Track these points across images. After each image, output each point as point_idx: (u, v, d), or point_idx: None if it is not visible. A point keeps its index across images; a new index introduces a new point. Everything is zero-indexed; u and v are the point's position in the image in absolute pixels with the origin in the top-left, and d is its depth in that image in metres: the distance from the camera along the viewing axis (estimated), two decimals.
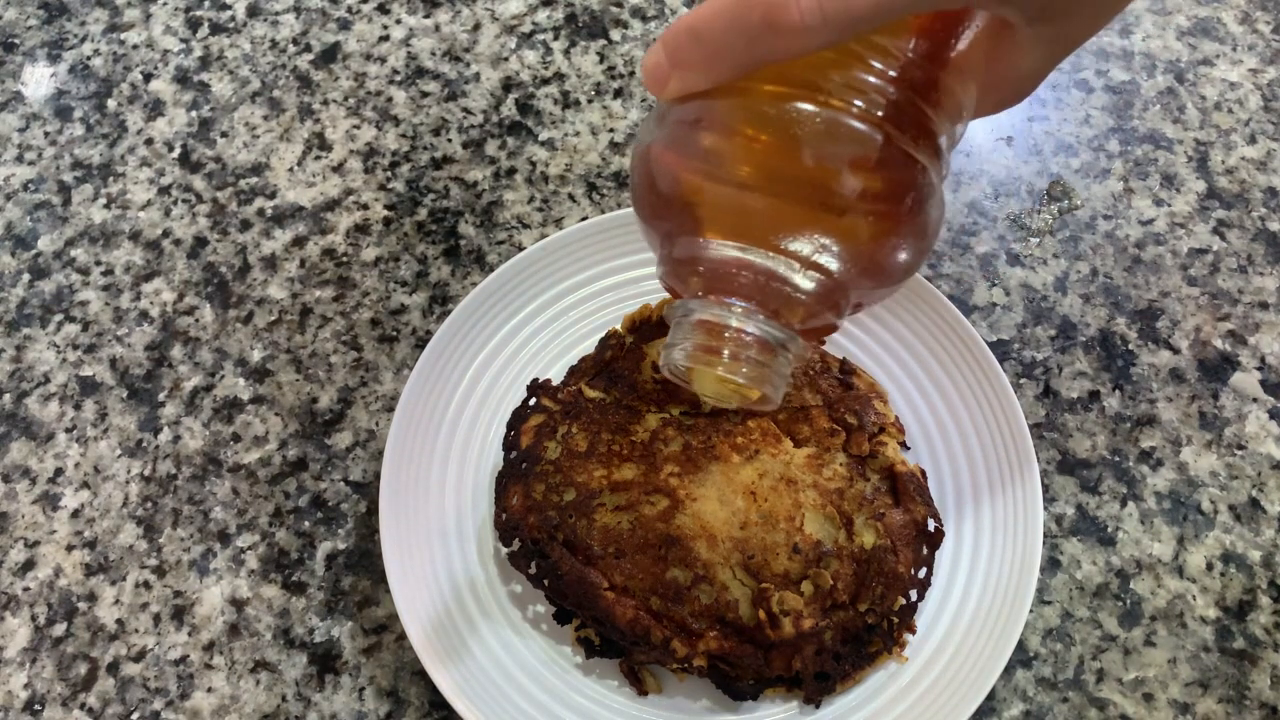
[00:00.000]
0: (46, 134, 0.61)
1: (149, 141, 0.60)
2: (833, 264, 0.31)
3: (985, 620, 0.43)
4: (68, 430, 0.52)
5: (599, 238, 0.51)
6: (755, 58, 0.29)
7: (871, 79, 0.31)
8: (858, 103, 0.30)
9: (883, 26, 0.30)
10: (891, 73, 0.31)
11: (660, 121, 0.33)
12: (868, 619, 0.42)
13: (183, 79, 0.62)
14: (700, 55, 0.29)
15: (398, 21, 0.64)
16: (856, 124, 0.30)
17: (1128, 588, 0.47)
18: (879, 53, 0.31)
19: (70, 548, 0.49)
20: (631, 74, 0.62)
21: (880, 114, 0.30)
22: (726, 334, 0.32)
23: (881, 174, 0.31)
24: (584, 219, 0.55)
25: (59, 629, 0.47)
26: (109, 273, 0.56)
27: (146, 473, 0.50)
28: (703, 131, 0.31)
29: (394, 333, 0.54)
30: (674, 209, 0.33)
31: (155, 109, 0.61)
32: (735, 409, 0.39)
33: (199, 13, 0.65)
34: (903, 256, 0.33)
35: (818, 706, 0.42)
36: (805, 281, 0.31)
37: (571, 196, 0.57)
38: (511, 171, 0.58)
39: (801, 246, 0.31)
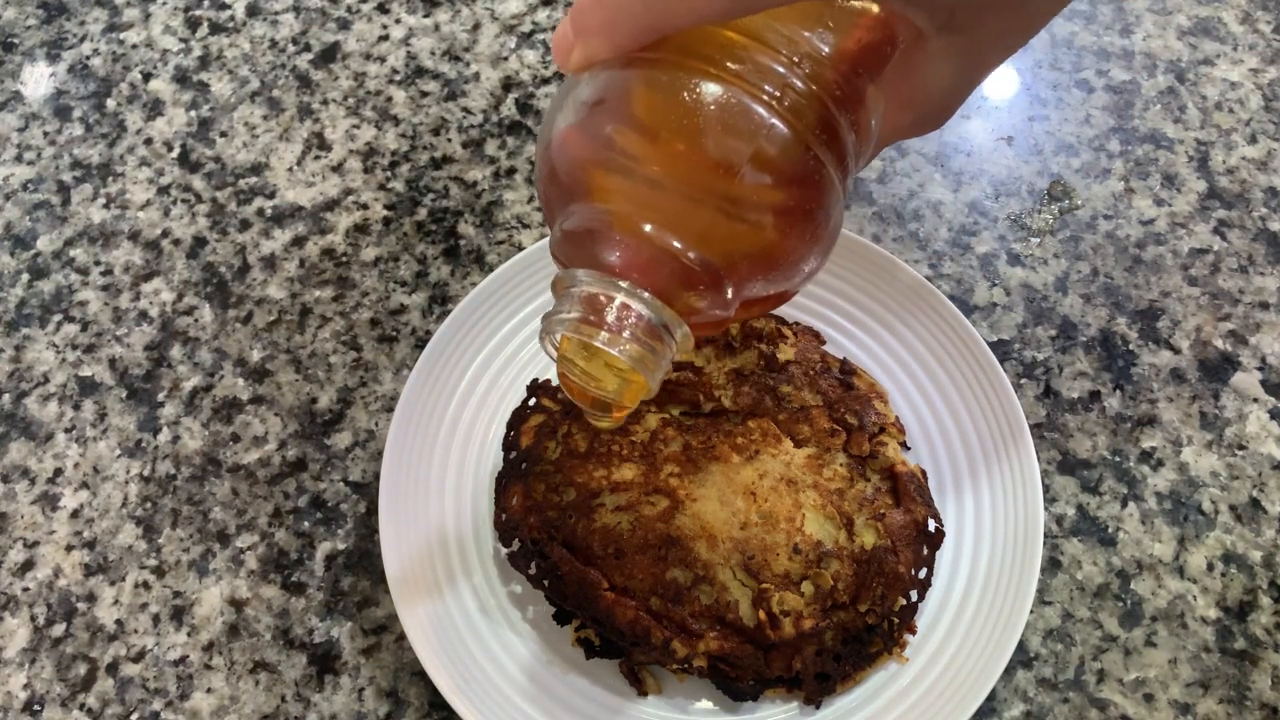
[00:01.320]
0: (46, 134, 0.61)
1: (148, 141, 0.60)
2: (723, 254, 0.30)
3: (986, 621, 0.43)
4: (67, 430, 0.52)
5: None
6: (655, 22, 0.28)
7: (780, 68, 0.29)
8: (766, 88, 0.29)
9: (795, 14, 0.29)
10: (803, 67, 0.30)
11: (565, 96, 0.32)
12: (868, 619, 0.42)
13: (182, 79, 0.62)
14: (600, 19, 0.28)
15: (397, 21, 0.64)
16: (761, 110, 0.29)
17: (1128, 588, 0.47)
18: (790, 44, 0.30)
19: (69, 548, 0.49)
20: None
21: (787, 104, 0.29)
22: (612, 308, 0.30)
23: (783, 168, 0.30)
24: None
25: (58, 629, 0.47)
26: (108, 273, 0.56)
27: (146, 473, 0.50)
28: (601, 105, 0.30)
29: (394, 333, 0.54)
30: (571, 180, 0.31)
31: (154, 109, 0.61)
32: (596, 408, 0.37)
33: (198, 12, 0.65)
34: (796, 257, 0.32)
35: (818, 707, 0.42)
36: (695, 268, 0.30)
37: None
38: (511, 171, 0.58)
39: (692, 233, 0.30)
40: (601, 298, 0.30)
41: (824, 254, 0.33)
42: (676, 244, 0.30)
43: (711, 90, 0.29)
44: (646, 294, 0.30)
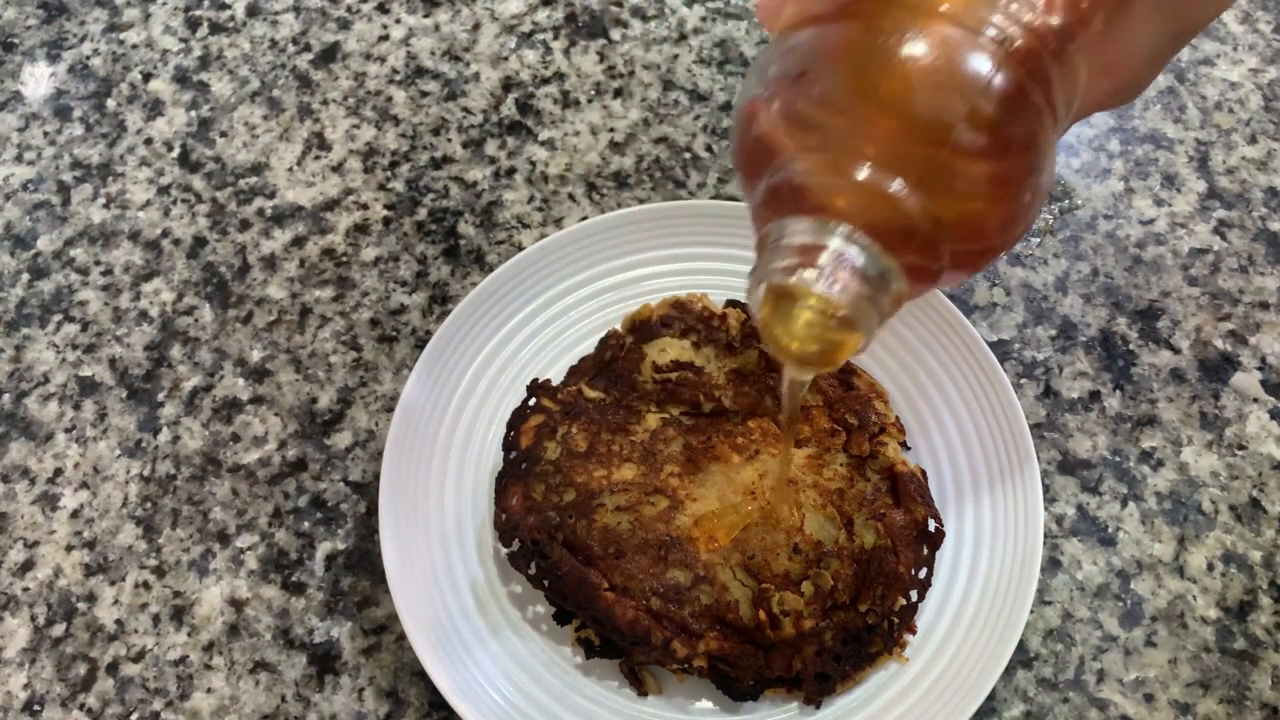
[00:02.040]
0: (46, 134, 0.61)
1: (148, 141, 0.60)
2: (940, 201, 0.29)
3: (985, 620, 0.43)
4: (67, 430, 0.52)
5: (599, 238, 0.51)
6: None
7: (1006, 21, 0.29)
8: (987, 31, 0.29)
9: None
10: (1025, 17, 0.29)
11: (772, 52, 0.31)
12: (868, 619, 0.42)
13: (182, 79, 0.62)
14: None
15: (397, 21, 0.64)
16: (983, 54, 0.29)
17: (1128, 588, 0.47)
18: None
19: (70, 548, 0.49)
20: (631, 74, 0.61)
21: (1006, 50, 0.29)
22: (828, 253, 0.29)
23: (1003, 114, 0.29)
24: (584, 219, 0.54)
25: (58, 629, 0.47)
26: (108, 273, 0.56)
27: (146, 473, 0.50)
28: (816, 54, 0.30)
29: (394, 333, 0.54)
30: (781, 133, 0.31)
31: (155, 109, 0.61)
32: (810, 374, 0.35)
33: (198, 12, 0.65)
34: (1009, 209, 0.31)
35: (818, 707, 0.42)
36: (913, 214, 0.29)
37: (571, 196, 0.57)
38: (511, 171, 0.58)
39: (911, 176, 0.29)
40: (816, 244, 0.30)
41: (1034, 209, 0.32)
42: (894, 188, 0.29)
43: (932, 33, 0.29)
44: (863, 238, 0.29)
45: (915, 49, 0.29)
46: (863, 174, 0.29)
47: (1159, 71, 0.33)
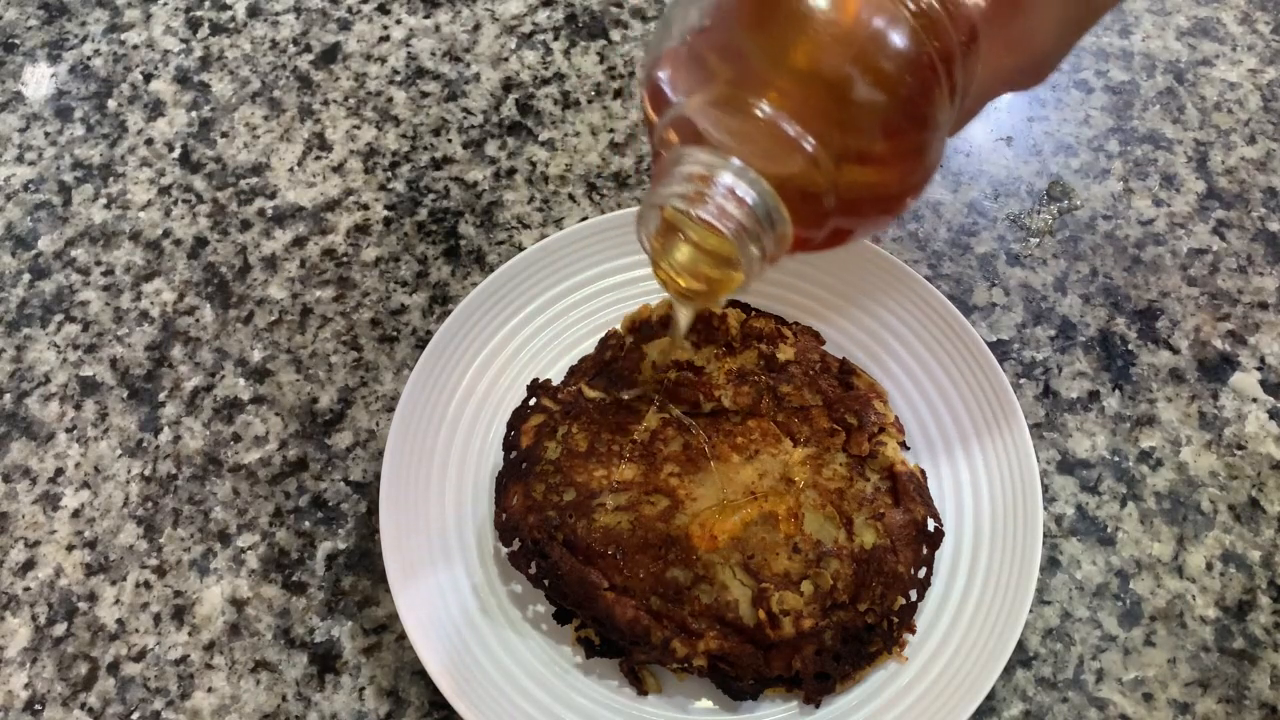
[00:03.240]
0: (47, 134, 0.61)
1: (149, 142, 0.60)
2: (832, 147, 0.30)
3: (985, 620, 0.43)
4: (68, 430, 0.52)
5: (599, 238, 0.51)
6: None
7: None
8: (909, 5, 0.29)
9: None
10: None
11: (685, 8, 0.32)
12: (868, 619, 0.42)
13: (183, 79, 0.62)
14: None
15: (398, 22, 0.64)
16: (896, 20, 0.29)
17: (1127, 588, 0.47)
18: None
19: (70, 548, 0.49)
20: (631, 74, 0.62)
21: (920, 19, 0.30)
22: (719, 184, 0.30)
23: (902, 71, 0.30)
24: (584, 219, 0.55)
25: (59, 629, 0.47)
26: (109, 273, 0.56)
27: (147, 473, 0.50)
28: (733, 2, 0.31)
29: (394, 333, 0.54)
30: (689, 65, 0.32)
31: (155, 109, 0.61)
32: (693, 308, 0.35)
33: (199, 13, 0.65)
34: (897, 170, 0.32)
35: (818, 706, 0.42)
36: (806, 157, 0.30)
37: (571, 196, 0.57)
38: (511, 171, 0.58)
39: (806, 118, 0.30)
40: (708, 174, 0.30)
41: (922, 175, 0.33)
42: (791, 130, 0.29)
43: None
44: (754, 174, 0.30)
45: (822, 1, 0.30)
46: (761, 113, 0.30)
47: (1066, 52, 0.33)
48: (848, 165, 0.31)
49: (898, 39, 0.30)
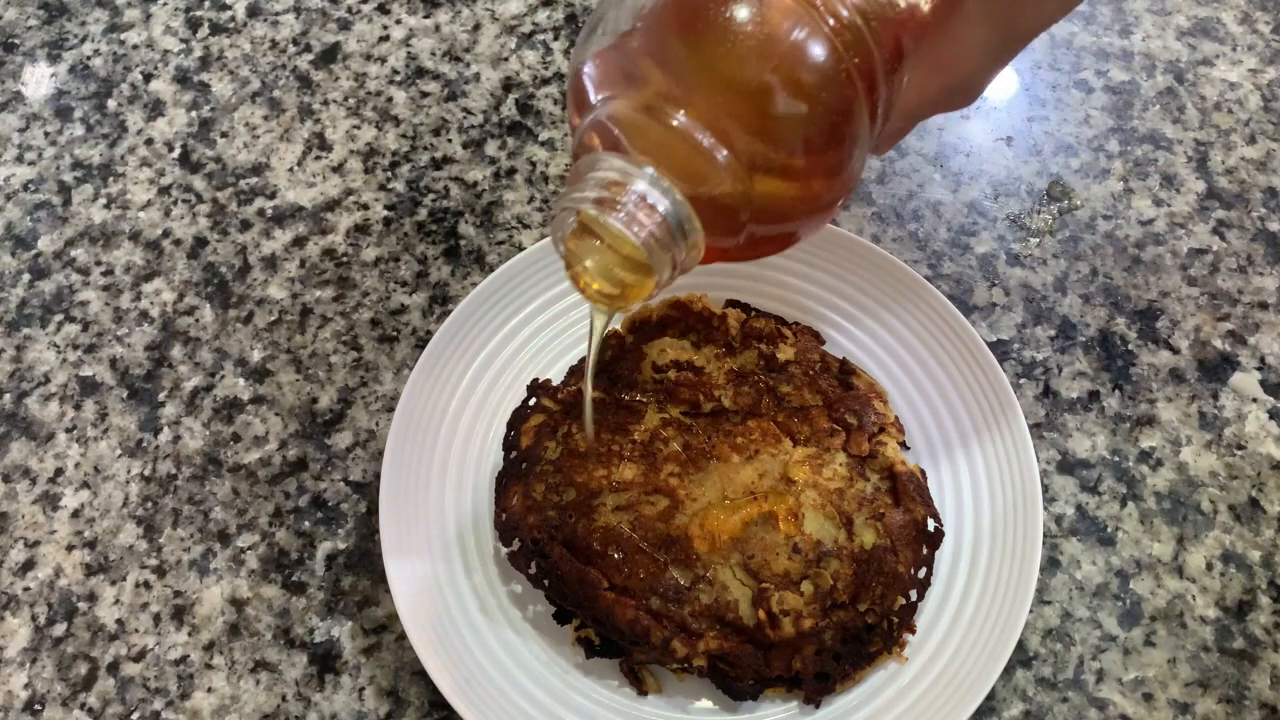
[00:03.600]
0: (46, 134, 0.61)
1: (149, 141, 0.60)
2: (746, 159, 0.30)
3: (985, 620, 0.43)
4: (68, 430, 0.52)
5: None
6: None
7: (838, 1, 0.30)
8: (822, 11, 0.30)
9: None
10: (862, 10, 0.30)
11: (612, 11, 0.32)
12: (868, 619, 0.42)
13: (183, 79, 0.62)
14: None
15: (398, 22, 0.64)
16: (818, 36, 0.30)
17: (1127, 588, 0.47)
18: None
19: (70, 548, 0.49)
20: None
21: (831, 24, 0.30)
22: (631, 192, 0.30)
23: (819, 84, 0.30)
24: None
25: (59, 629, 0.47)
26: (109, 273, 0.56)
27: (146, 473, 0.50)
28: (658, 8, 0.31)
29: (394, 333, 0.54)
30: (609, 70, 0.32)
31: (155, 109, 0.61)
32: (607, 312, 0.36)
33: (199, 13, 0.65)
34: (814, 185, 0.32)
35: (818, 706, 0.42)
36: (719, 168, 0.30)
37: None
38: (512, 172, 0.58)
39: (720, 130, 0.30)
40: (622, 181, 0.30)
41: (839, 195, 0.33)
42: (706, 141, 0.30)
43: (765, 2, 0.30)
44: (667, 184, 0.30)
45: (743, 13, 0.30)
46: (677, 122, 0.30)
47: (992, 75, 0.34)
48: (762, 177, 0.31)
49: (816, 52, 0.30)
